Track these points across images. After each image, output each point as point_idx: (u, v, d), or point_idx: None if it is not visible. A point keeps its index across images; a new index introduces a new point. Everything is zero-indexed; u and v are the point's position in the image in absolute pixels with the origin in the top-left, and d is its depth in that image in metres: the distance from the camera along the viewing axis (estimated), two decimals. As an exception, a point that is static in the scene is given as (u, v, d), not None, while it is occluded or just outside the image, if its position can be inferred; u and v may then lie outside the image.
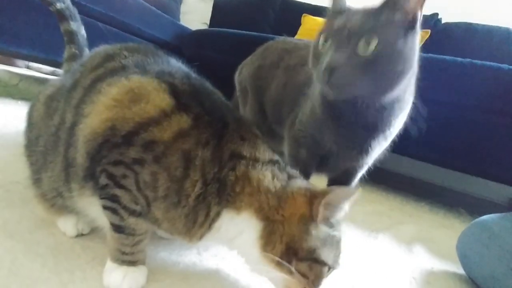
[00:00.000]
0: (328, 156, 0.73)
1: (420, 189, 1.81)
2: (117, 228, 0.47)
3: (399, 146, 1.49)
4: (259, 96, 1.05)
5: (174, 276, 0.55)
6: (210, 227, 0.46)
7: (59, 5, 0.77)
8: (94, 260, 0.54)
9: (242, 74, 1.17)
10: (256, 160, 0.47)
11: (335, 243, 0.48)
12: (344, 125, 0.64)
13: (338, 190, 0.45)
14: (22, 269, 0.48)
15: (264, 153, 0.48)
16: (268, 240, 0.44)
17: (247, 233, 0.46)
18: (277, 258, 0.43)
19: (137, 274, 0.49)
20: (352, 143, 0.66)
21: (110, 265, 0.49)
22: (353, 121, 0.62)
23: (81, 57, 0.75)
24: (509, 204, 1.79)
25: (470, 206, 1.60)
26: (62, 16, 0.78)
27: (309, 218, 0.45)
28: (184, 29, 2.14)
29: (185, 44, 2.00)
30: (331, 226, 0.47)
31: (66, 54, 0.77)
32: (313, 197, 0.46)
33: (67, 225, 0.59)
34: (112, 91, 0.45)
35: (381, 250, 0.87)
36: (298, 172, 0.53)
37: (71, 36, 0.78)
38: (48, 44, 1.47)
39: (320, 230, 0.45)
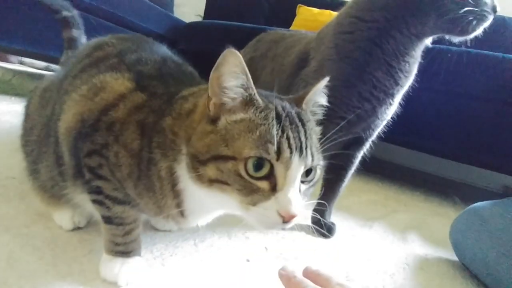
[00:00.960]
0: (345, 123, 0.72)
1: (415, 178, 1.82)
2: (107, 219, 0.49)
3: (394, 135, 1.50)
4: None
5: (171, 266, 0.55)
6: (174, 190, 0.42)
7: (65, 13, 0.78)
8: (91, 253, 0.54)
9: None
10: (192, 93, 0.45)
11: (251, 126, 0.37)
12: (384, 68, 0.68)
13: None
14: (19, 263, 0.48)
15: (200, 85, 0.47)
16: (187, 163, 0.40)
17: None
18: (193, 174, 0.38)
19: (133, 265, 0.50)
20: (384, 90, 0.70)
21: (105, 257, 0.50)
22: (394, 65, 0.68)
23: None
24: (504, 191, 1.82)
25: (465, 195, 1.62)
26: (67, 23, 0.79)
27: (204, 116, 0.40)
28: (178, 22, 2.12)
29: (179, 37, 1.98)
30: (240, 110, 0.38)
31: (63, 58, 0.78)
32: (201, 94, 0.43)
33: (64, 218, 0.59)
34: (82, 88, 0.48)
35: (375, 239, 0.88)
36: None
37: (71, 43, 0.79)
38: (39, 39, 1.46)
39: (220, 123, 0.38)
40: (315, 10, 2.20)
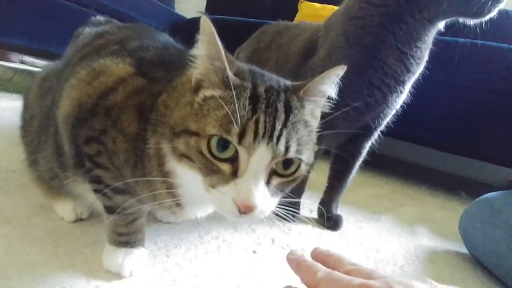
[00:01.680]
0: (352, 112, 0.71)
1: (420, 173, 1.80)
2: (109, 209, 0.48)
3: (399, 131, 1.48)
4: None
5: (176, 257, 0.54)
6: (162, 173, 0.40)
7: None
8: (94, 244, 0.53)
9: (238, 59, 1.16)
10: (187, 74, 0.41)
11: (220, 104, 0.34)
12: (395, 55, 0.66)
13: None
14: (20, 254, 0.47)
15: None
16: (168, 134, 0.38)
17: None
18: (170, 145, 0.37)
19: (136, 256, 0.48)
20: (395, 77, 0.68)
21: (108, 247, 0.49)
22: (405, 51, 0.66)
23: None
24: (509, 186, 1.80)
25: (470, 189, 1.59)
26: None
27: (191, 87, 0.38)
28: (179, 18, 2.10)
29: (181, 33, 1.97)
30: (212, 86, 0.36)
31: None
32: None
33: (65, 210, 0.58)
34: (81, 73, 0.46)
35: (383, 231, 0.86)
36: None
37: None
38: (40, 34, 1.45)
39: (197, 97, 0.36)
40: (317, 5, 2.18)
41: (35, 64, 3.00)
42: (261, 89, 0.36)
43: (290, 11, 2.30)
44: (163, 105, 0.40)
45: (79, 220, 0.59)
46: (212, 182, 0.34)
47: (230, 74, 0.35)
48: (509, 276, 0.65)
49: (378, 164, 1.71)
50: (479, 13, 0.62)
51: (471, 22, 0.66)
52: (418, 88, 1.41)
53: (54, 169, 0.52)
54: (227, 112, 0.33)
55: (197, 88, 0.37)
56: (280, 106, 0.35)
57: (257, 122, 0.33)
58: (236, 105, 0.33)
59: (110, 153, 0.43)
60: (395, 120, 1.27)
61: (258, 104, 0.34)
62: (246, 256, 0.59)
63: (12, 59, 2.95)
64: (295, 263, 0.38)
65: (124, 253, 0.47)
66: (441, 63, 1.30)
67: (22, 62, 3.07)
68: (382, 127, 0.79)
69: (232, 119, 0.33)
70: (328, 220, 0.79)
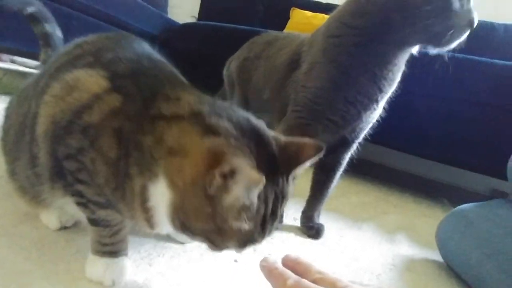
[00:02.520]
0: (331, 124, 0.75)
1: (405, 180, 1.84)
2: (93, 221, 0.48)
3: (385, 138, 1.52)
4: (244, 87, 1.07)
5: (158, 266, 0.56)
6: (144, 207, 0.41)
7: (30, 9, 0.75)
8: (78, 253, 0.54)
9: (230, 68, 1.19)
10: (176, 117, 0.40)
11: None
12: (367, 76, 0.69)
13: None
14: (6, 262, 0.48)
15: (186, 106, 0.41)
16: (171, 215, 0.39)
17: (163, 204, 0.39)
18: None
19: (119, 265, 0.49)
20: (368, 96, 0.71)
21: (91, 257, 0.49)
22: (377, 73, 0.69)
23: None
24: (492, 194, 1.85)
25: (454, 197, 1.64)
26: (35, 19, 0.76)
27: (201, 185, 0.35)
28: (172, 23, 2.12)
29: (173, 38, 1.98)
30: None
31: (42, 57, 0.76)
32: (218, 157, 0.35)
33: (50, 218, 0.59)
34: (54, 88, 0.46)
35: (364, 239, 0.89)
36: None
37: (47, 39, 0.76)
38: (31, 37, 1.44)
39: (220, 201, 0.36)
40: (309, 13, 2.22)
41: (26, 64, 2.97)
42: (268, 210, 0.40)
43: (283, 18, 2.34)
44: (150, 155, 0.39)
45: (64, 228, 0.60)
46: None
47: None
48: (481, 285, 0.68)
49: (363, 170, 1.75)
50: (440, 45, 0.66)
51: (433, 51, 0.69)
52: (404, 99, 1.45)
53: (30, 178, 0.52)
54: (246, 234, 0.39)
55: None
56: (279, 206, 0.41)
57: (263, 236, 0.41)
58: (254, 228, 0.39)
59: (89, 172, 0.43)
60: (381, 128, 1.30)
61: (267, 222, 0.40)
62: (228, 266, 0.61)
63: (2, 58, 2.92)
64: (267, 270, 0.42)
65: (107, 262, 0.48)
66: (426, 76, 1.35)
67: (13, 62, 3.04)
68: (360, 139, 0.83)
69: (250, 240, 0.40)
70: (310, 229, 0.82)
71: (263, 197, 0.37)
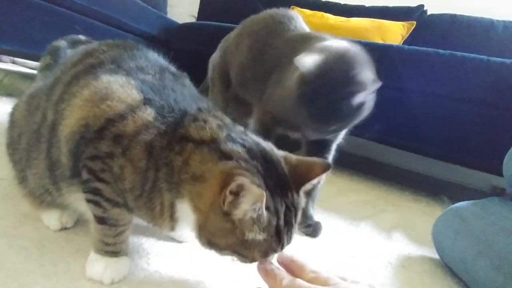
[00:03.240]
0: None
1: (405, 178, 1.85)
2: (100, 220, 0.49)
3: (384, 137, 1.52)
4: (225, 66, 1.16)
5: (157, 265, 0.57)
6: (172, 217, 0.46)
7: None
8: (77, 253, 0.55)
9: (213, 57, 1.28)
10: (202, 142, 0.44)
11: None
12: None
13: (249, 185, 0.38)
14: (6, 262, 0.49)
15: (209, 131, 0.45)
16: (197, 233, 0.44)
17: (189, 219, 0.45)
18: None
19: (119, 265, 0.51)
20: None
21: (93, 256, 0.51)
22: None
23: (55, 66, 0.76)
24: (492, 191, 1.85)
25: (453, 194, 1.64)
26: None
27: (218, 204, 0.40)
28: (171, 23, 2.12)
29: (172, 38, 1.99)
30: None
31: (41, 63, 0.77)
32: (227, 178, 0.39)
33: (51, 219, 0.60)
34: (84, 93, 0.48)
35: (362, 237, 0.90)
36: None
37: (55, 51, 0.78)
38: (31, 40, 1.46)
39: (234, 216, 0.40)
40: (308, 11, 2.22)
41: (27, 65, 2.99)
42: (283, 228, 0.44)
43: (282, 16, 2.34)
44: (178, 176, 0.43)
45: (64, 228, 0.61)
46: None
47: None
48: (475, 282, 0.69)
49: (364, 168, 1.75)
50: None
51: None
52: (403, 98, 1.45)
53: (45, 186, 0.54)
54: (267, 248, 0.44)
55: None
56: (294, 222, 0.45)
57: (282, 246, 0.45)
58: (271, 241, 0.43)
59: (115, 175, 0.45)
60: (381, 126, 1.30)
61: (284, 234, 0.44)
62: (226, 265, 0.62)
63: (3, 59, 2.94)
64: (264, 272, 0.44)
65: (108, 262, 0.50)
66: (423, 74, 1.35)
67: (13, 62, 3.06)
68: (339, 141, 0.86)
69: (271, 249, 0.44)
70: (308, 227, 0.83)
71: (273, 210, 0.42)
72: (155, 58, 0.58)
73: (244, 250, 0.43)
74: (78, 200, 0.53)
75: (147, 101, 0.46)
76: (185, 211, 0.44)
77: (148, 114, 0.45)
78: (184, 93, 0.52)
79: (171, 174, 0.44)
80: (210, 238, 0.43)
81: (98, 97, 0.46)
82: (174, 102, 0.48)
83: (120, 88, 0.47)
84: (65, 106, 0.49)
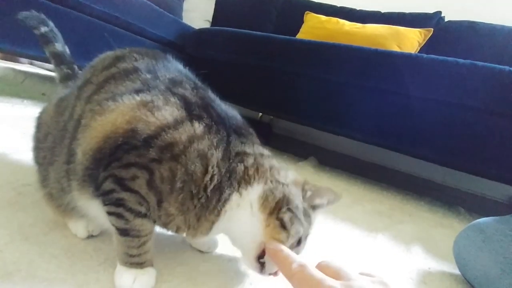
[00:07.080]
0: None
1: (421, 187, 1.83)
2: (123, 232, 0.49)
3: (401, 145, 1.51)
4: None
5: (181, 276, 0.57)
6: (219, 212, 0.50)
7: (43, 29, 0.77)
8: (106, 262, 0.56)
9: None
10: (260, 154, 0.54)
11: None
12: None
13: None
14: (39, 271, 0.51)
15: (260, 148, 0.56)
16: (265, 201, 0.51)
17: (248, 200, 0.51)
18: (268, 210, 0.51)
19: (147, 277, 0.51)
20: None
21: (119, 268, 0.51)
22: None
23: (74, 74, 0.77)
24: (509, 202, 1.81)
25: (470, 204, 1.62)
26: (46, 39, 0.78)
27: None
28: (187, 28, 2.15)
29: (188, 44, 2.01)
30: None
31: (58, 76, 0.77)
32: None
33: (78, 227, 0.61)
34: (135, 99, 0.48)
35: (379, 250, 0.89)
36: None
37: (59, 58, 0.78)
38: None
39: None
40: (323, 17, 2.22)
41: (44, 66, 3.05)
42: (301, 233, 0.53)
43: (296, 22, 2.35)
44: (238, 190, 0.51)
45: (91, 236, 0.62)
46: None
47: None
48: (499, 300, 0.68)
49: (379, 177, 1.74)
50: None
51: None
52: (419, 106, 1.43)
53: (60, 180, 0.55)
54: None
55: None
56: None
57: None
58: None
59: (158, 179, 0.45)
60: (396, 134, 1.28)
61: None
62: (249, 273, 0.62)
63: (21, 60, 3.01)
64: (273, 252, 0.43)
65: (135, 273, 0.50)
66: (442, 83, 1.33)
67: (32, 64, 3.13)
68: None
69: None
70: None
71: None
72: (183, 69, 0.59)
73: None
74: (89, 206, 0.54)
75: (193, 117, 0.48)
76: (238, 197, 0.51)
77: (197, 127, 0.48)
78: (219, 108, 0.54)
79: (235, 176, 0.50)
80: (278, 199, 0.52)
81: (148, 107, 0.47)
82: (217, 119, 0.51)
83: (168, 104, 0.48)
84: (105, 105, 0.49)
